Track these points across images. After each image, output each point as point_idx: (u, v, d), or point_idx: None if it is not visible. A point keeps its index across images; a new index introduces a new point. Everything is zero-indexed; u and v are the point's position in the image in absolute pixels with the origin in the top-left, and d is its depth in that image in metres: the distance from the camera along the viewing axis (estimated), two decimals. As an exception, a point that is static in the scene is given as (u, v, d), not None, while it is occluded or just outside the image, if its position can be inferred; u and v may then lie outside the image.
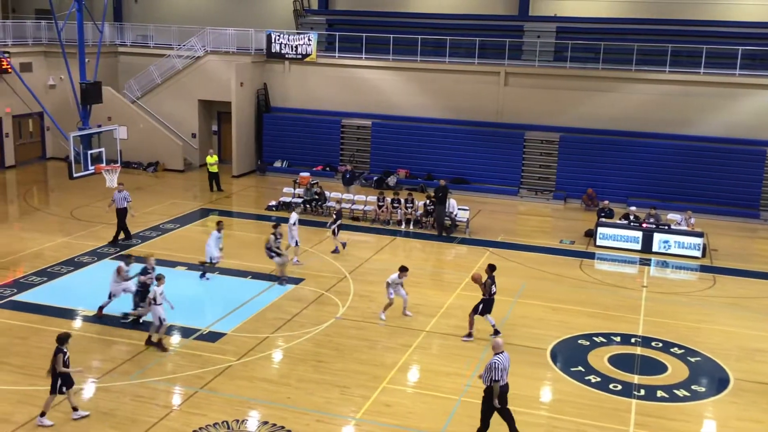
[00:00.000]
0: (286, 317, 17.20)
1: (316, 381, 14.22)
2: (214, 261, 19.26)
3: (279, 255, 19.22)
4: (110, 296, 16.85)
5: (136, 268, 17.00)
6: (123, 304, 16.97)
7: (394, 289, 17.07)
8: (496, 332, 16.07)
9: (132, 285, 16.77)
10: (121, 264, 16.97)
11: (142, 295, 16.38)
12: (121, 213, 21.97)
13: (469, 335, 16.19)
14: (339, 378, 14.36)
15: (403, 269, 17.07)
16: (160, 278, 15.66)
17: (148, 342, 15.43)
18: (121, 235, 22.16)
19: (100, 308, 16.87)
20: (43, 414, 12.42)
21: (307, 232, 22.91)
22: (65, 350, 12.41)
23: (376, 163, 31.75)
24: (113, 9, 39.07)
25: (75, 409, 12.68)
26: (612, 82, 29.42)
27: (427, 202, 24.92)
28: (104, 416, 12.71)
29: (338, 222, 22.05)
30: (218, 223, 19.76)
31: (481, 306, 16.14)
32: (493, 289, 16.13)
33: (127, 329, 16.26)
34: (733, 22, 30.96)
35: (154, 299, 15.21)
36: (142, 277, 16.46)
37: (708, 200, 27.65)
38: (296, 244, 20.54)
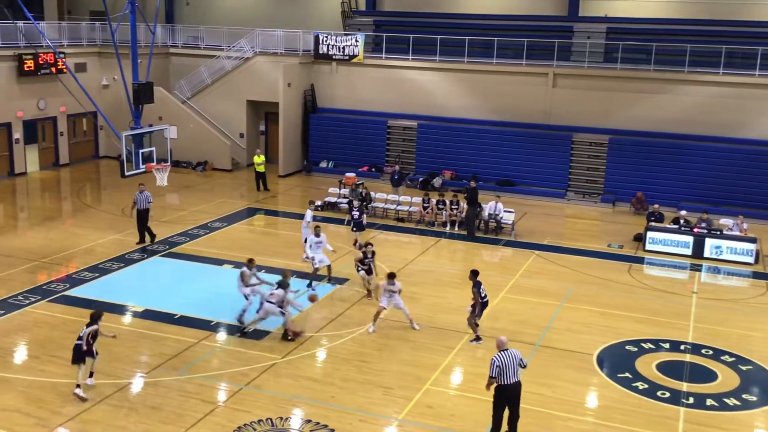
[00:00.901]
0: (331, 317, 17.29)
1: (360, 381, 14.27)
2: (315, 266, 18.81)
3: (368, 273, 18.45)
4: (246, 297, 16.57)
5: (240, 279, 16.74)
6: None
7: (388, 296, 16.40)
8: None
9: (263, 289, 16.45)
10: (244, 269, 16.67)
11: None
12: (143, 214, 21.73)
13: (478, 338, 16.05)
14: (382, 378, 14.38)
15: (391, 276, 16.53)
16: (282, 284, 15.72)
17: (284, 337, 15.81)
18: (147, 239, 21.98)
19: (241, 314, 16.51)
20: (79, 386, 13.20)
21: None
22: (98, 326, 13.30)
23: (422, 164, 31.70)
24: (165, 11, 39.79)
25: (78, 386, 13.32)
26: (663, 83, 28.88)
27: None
28: (152, 410, 12.95)
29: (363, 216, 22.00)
30: (316, 227, 19.16)
31: (477, 309, 16.04)
32: (483, 293, 15.92)
33: (176, 325, 16.51)
34: (789, 22, 30.19)
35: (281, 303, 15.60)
36: (289, 297, 15.86)
37: (761, 205, 26.94)
38: (305, 241, 20.41)
